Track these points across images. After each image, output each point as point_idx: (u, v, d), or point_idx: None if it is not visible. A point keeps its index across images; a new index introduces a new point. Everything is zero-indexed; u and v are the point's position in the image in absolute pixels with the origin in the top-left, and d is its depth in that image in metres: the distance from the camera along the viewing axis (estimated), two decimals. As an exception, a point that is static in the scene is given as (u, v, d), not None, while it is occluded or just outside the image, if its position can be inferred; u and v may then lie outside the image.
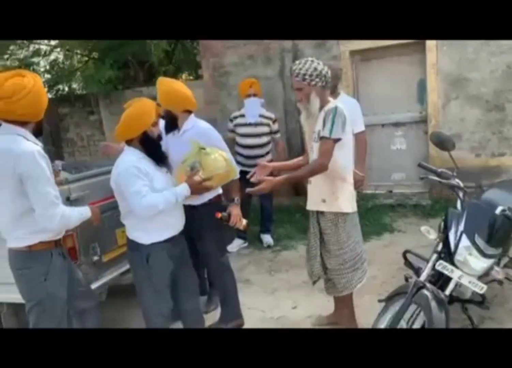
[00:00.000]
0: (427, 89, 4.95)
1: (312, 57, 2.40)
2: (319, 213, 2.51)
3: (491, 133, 4.78)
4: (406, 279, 2.62)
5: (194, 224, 2.63)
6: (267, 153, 4.38)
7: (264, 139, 4.30)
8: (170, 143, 2.68)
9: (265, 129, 4.28)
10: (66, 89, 7.24)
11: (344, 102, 3.39)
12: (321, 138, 2.31)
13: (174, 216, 2.37)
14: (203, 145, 2.40)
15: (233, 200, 2.71)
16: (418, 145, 5.20)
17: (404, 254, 2.63)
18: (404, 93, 5.16)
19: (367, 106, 5.29)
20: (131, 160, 2.21)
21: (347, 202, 2.47)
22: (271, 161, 4.05)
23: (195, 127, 2.69)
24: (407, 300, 2.18)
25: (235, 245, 4.60)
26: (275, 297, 3.49)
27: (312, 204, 2.54)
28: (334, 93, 3.43)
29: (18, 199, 1.94)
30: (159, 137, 2.37)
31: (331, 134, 2.27)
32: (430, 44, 4.79)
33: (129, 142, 2.28)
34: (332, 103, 2.38)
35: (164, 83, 2.66)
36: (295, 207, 5.49)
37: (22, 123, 1.97)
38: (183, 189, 2.25)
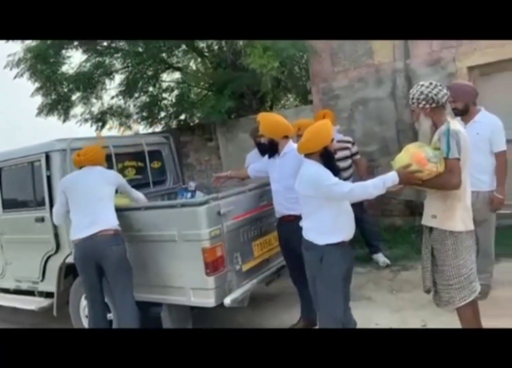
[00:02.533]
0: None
1: (426, 80, 2.60)
2: (431, 228, 2.61)
3: None
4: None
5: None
6: (351, 175, 4.60)
7: (347, 163, 4.54)
8: (271, 166, 3.19)
9: (346, 153, 4.55)
10: (188, 119, 8.06)
11: (482, 120, 3.40)
12: (445, 159, 2.39)
13: (348, 222, 2.62)
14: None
15: None
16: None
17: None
18: (531, 106, 4.85)
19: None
20: (320, 167, 2.53)
21: (458, 221, 2.50)
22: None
23: (294, 150, 3.01)
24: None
25: (382, 260, 4.74)
26: (402, 315, 3.48)
27: (425, 219, 2.65)
28: (468, 111, 3.40)
29: None
30: (335, 151, 2.72)
31: (448, 155, 2.36)
32: (561, 53, 4.48)
33: (309, 156, 2.60)
34: (446, 124, 2.44)
35: (265, 117, 3.25)
36: (410, 227, 5.40)
37: None
38: (393, 176, 2.40)
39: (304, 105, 6.94)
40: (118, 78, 7.82)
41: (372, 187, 2.41)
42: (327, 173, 2.49)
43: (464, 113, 3.38)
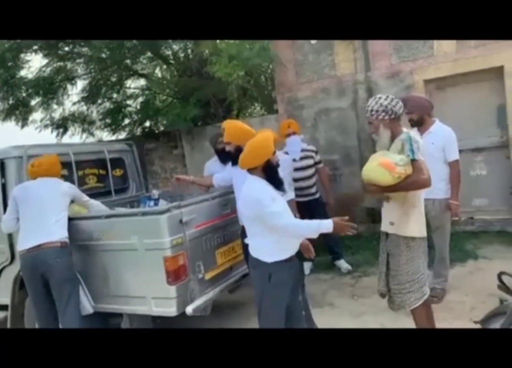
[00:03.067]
0: (507, 114, 4.89)
1: (386, 92, 2.67)
2: (388, 234, 2.71)
3: None
4: (501, 301, 2.61)
5: None
6: (314, 184, 4.73)
7: (310, 171, 4.67)
8: (236, 174, 3.11)
9: (310, 162, 4.67)
10: (153, 126, 7.98)
11: (436, 131, 3.57)
12: (412, 162, 2.48)
13: (292, 239, 2.56)
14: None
15: None
16: (500, 170, 5.09)
17: (499, 276, 2.62)
18: (482, 119, 5.12)
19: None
20: (262, 186, 2.45)
21: (414, 227, 2.62)
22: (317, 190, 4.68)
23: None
24: (506, 320, 2.20)
25: (306, 267, 4.81)
26: (362, 320, 3.56)
27: (383, 225, 2.76)
28: (424, 122, 3.56)
29: None
30: (277, 164, 2.60)
31: (415, 157, 2.47)
32: (509, 70, 4.78)
33: (251, 170, 2.50)
34: (405, 133, 2.57)
35: (231, 124, 3.29)
36: (372, 234, 5.54)
37: None
38: (329, 223, 2.33)
39: (269, 114, 7.03)
40: (81, 83, 7.67)
41: (306, 229, 2.39)
42: (268, 196, 2.40)
43: (420, 124, 3.56)
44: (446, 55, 5.08)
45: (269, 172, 2.49)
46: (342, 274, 4.71)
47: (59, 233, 3.05)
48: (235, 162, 3.13)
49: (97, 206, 3.53)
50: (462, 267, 4.45)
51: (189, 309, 2.76)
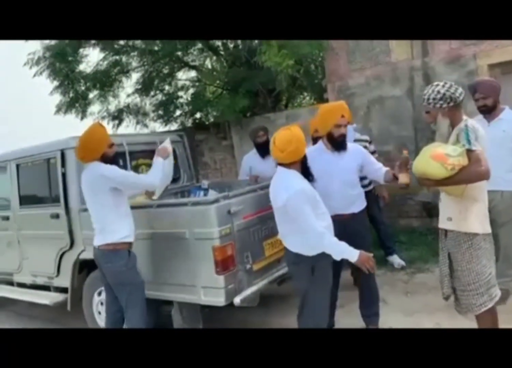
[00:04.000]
0: None
1: (445, 78, 2.49)
2: (447, 231, 2.53)
3: None
4: None
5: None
6: None
7: None
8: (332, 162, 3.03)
9: None
10: (203, 117, 8.09)
11: (507, 118, 3.32)
12: (468, 152, 2.30)
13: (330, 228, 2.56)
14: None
15: None
16: None
17: None
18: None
19: None
20: (299, 183, 2.45)
21: (475, 223, 2.42)
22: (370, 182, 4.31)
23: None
24: None
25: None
26: (415, 318, 3.41)
27: (441, 221, 2.57)
28: (495, 108, 3.33)
29: None
30: (306, 157, 2.58)
31: (471, 146, 2.28)
32: None
33: (288, 165, 2.48)
34: (463, 121, 2.40)
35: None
36: (427, 229, 5.30)
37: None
38: (355, 254, 2.37)
39: (319, 104, 6.87)
40: (135, 76, 7.90)
41: (330, 244, 2.39)
42: (304, 200, 2.39)
43: (492, 110, 3.30)
44: (515, 37, 4.67)
45: (306, 167, 2.52)
46: (395, 270, 4.54)
47: (110, 234, 2.83)
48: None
49: (146, 180, 3.04)
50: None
51: (237, 300, 2.76)
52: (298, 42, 5.54)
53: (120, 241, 2.84)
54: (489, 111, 3.29)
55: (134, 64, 7.64)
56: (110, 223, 2.84)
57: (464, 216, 2.43)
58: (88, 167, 2.89)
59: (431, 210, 5.27)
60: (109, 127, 8.45)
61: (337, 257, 2.39)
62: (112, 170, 2.85)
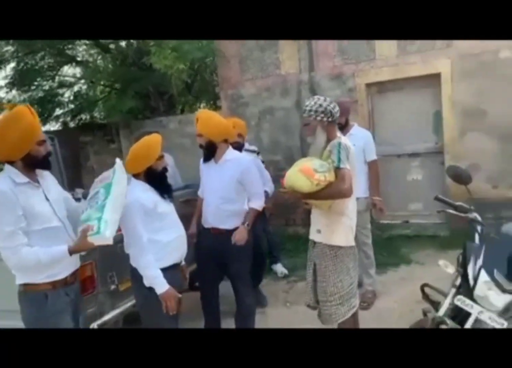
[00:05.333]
0: (443, 120, 4.98)
1: (322, 94, 2.54)
2: (315, 242, 2.59)
3: (508, 164, 4.75)
4: (425, 314, 2.57)
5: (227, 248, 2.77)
6: None
7: None
8: (206, 171, 2.93)
9: None
10: (88, 118, 7.50)
11: (356, 133, 3.66)
12: (335, 169, 2.37)
13: (178, 244, 2.45)
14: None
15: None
16: (435, 176, 5.18)
17: (422, 288, 2.59)
18: (420, 124, 5.19)
19: (383, 137, 5.36)
20: (135, 193, 2.30)
21: (341, 236, 2.51)
22: None
23: (239, 159, 2.89)
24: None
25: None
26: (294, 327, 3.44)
27: (311, 233, 2.64)
28: (347, 125, 3.67)
29: None
30: (165, 170, 2.48)
31: (339, 165, 2.35)
32: (445, 76, 4.85)
33: (135, 176, 2.40)
34: (337, 138, 2.47)
35: (206, 114, 2.92)
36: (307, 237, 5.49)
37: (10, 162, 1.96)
38: (162, 287, 2.26)
39: (214, 111, 6.80)
40: (9, 68, 7.03)
41: (149, 269, 2.27)
42: (135, 212, 2.25)
43: (345, 127, 3.63)
44: (387, 60, 5.09)
45: (152, 180, 2.38)
46: (277, 279, 4.59)
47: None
48: (206, 158, 2.90)
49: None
50: (394, 272, 4.47)
51: (94, 325, 2.49)
52: (190, 46, 5.42)
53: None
54: (341, 128, 3.55)
55: (7, 54, 6.79)
56: None
57: (331, 229, 2.50)
58: None
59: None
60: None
61: (146, 281, 2.25)
62: None
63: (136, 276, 2.32)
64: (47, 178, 2.12)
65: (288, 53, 5.62)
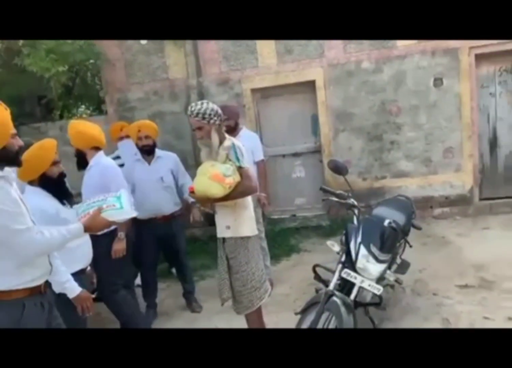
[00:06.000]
0: (319, 122, 5.59)
1: (211, 99, 2.71)
2: (225, 239, 2.74)
3: (373, 159, 5.54)
4: (317, 291, 2.93)
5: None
6: None
7: None
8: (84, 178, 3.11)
9: None
10: None
11: (244, 135, 3.92)
12: (239, 169, 2.56)
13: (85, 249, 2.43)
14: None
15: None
16: (315, 172, 5.77)
17: (314, 268, 2.95)
18: (300, 127, 5.74)
19: (269, 139, 5.80)
20: (35, 201, 2.15)
21: (248, 227, 2.72)
22: None
23: (99, 164, 3.04)
24: (320, 308, 2.47)
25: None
26: (198, 325, 3.55)
27: (219, 231, 2.76)
28: (237, 128, 3.90)
29: None
30: (62, 175, 2.43)
31: (240, 163, 2.56)
32: (319, 84, 5.46)
33: (31, 183, 2.33)
34: (228, 140, 2.65)
35: (73, 126, 3.06)
36: (208, 237, 5.64)
37: None
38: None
39: (98, 115, 6.53)
40: None
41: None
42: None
43: (235, 130, 3.88)
44: (269, 67, 5.52)
45: (48, 186, 2.34)
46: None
47: None
48: (78, 166, 3.14)
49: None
50: (287, 261, 4.88)
51: None
52: (70, 48, 5.16)
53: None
54: (232, 131, 3.82)
55: None
56: None
57: (239, 222, 2.67)
58: None
59: (212, 220, 5.64)
60: None
61: (55, 287, 2.07)
62: None
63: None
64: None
65: (175, 59, 5.72)
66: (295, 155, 5.83)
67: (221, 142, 2.64)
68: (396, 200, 3.56)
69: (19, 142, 1.89)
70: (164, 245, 3.88)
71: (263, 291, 2.75)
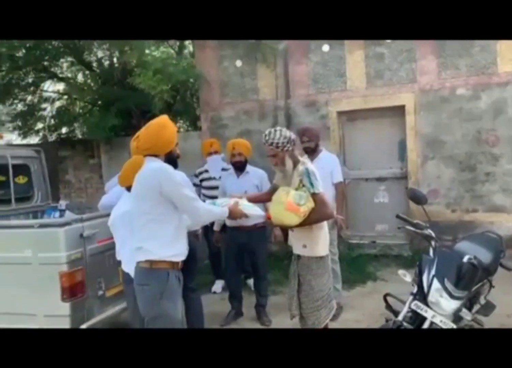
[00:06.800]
0: (407, 148, 5.43)
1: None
2: (299, 257, 2.81)
3: (464, 190, 5.20)
4: (387, 320, 2.85)
5: None
6: None
7: None
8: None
9: None
10: (68, 133, 7.59)
11: (324, 157, 3.98)
12: (313, 195, 2.60)
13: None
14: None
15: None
16: (399, 199, 5.57)
17: (385, 297, 2.88)
18: (387, 151, 5.62)
19: (352, 162, 5.77)
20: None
21: (323, 247, 2.78)
22: None
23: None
24: (386, 338, 2.41)
25: (219, 286, 4.93)
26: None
27: (296, 248, 2.84)
28: (317, 149, 3.98)
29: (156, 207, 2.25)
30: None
31: (314, 189, 2.59)
32: (409, 108, 5.33)
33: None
34: (302, 164, 2.67)
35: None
36: (284, 254, 5.72)
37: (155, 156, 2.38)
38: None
39: (193, 131, 7.06)
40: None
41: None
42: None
43: (315, 151, 3.98)
44: (357, 90, 5.53)
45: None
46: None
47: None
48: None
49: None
50: (362, 288, 4.76)
51: (83, 327, 2.63)
52: (173, 69, 5.70)
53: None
54: (312, 152, 3.95)
55: (-10, 68, 6.87)
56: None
57: (315, 242, 2.74)
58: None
59: (288, 236, 5.74)
60: (-49, 134, 7.37)
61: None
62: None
63: (126, 281, 2.49)
64: None
65: (266, 81, 6.00)
66: (379, 179, 5.70)
67: (295, 165, 2.69)
68: (484, 236, 3.32)
69: (177, 150, 2.54)
70: (245, 254, 4.09)
71: (329, 310, 2.77)
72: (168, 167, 2.36)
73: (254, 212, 2.70)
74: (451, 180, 5.25)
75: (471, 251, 2.75)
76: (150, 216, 2.26)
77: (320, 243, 2.76)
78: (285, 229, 5.69)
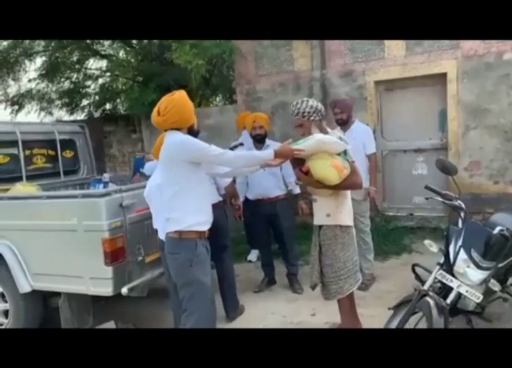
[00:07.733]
0: (448, 118, 5.22)
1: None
2: (321, 227, 2.76)
3: (509, 161, 4.98)
4: (415, 290, 2.87)
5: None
6: None
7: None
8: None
9: None
10: (111, 109, 7.91)
11: (356, 128, 3.96)
12: (350, 163, 2.60)
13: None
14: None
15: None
16: (439, 171, 5.41)
17: (413, 268, 2.89)
18: (426, 122, 5.44)
19: (390, 133, 5.64)
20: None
21: (347, 216, 2.76)
22: None
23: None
24: (411, 306, 2.45)
25: (254, 255, 5.09)
26: (297, 305, 3.79)
27: (318, 219, 2.81)
28: (349, 121, 3.95)
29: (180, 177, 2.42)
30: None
31: (352, 158, 2.62)
32: (451, 76, 5.09)
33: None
34: (332, 134, 2.66)
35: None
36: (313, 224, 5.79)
37: (177, 130, 2.51)
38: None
39: (229, 105, 7.12)
40: (39, 61, 7.47)
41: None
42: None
43: (347, 123, 3.95)
44: (396, 59, 5.34)
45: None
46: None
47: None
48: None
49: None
50: (396, 260, 4.77)
51: (124, 289, 2.87)
52: (209, 42, 5.73)
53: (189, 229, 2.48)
54: (344, 123, 3.93)
55: (39, 48, 7.21)
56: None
57: (340, 210, 2.73)
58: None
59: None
60: (6, 113, 7.90)
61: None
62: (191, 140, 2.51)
63: (162, 248, 2.67)
64: None
65: (301, 51, 5.91)
66: (418, 151, 5.56)
67: None
68: (524, 208, 3.22)
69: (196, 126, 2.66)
70: (271, 225, 4.22)
71: (353, 281, 2.78)
72: (189, 137, 2.49)
73: (309, 141, 2.51)
74: (494, 151, 5.03)
75: (506, 223, 2.69)
76: (176, 187, 2.43)
77: (344, 212, 2.73)
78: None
